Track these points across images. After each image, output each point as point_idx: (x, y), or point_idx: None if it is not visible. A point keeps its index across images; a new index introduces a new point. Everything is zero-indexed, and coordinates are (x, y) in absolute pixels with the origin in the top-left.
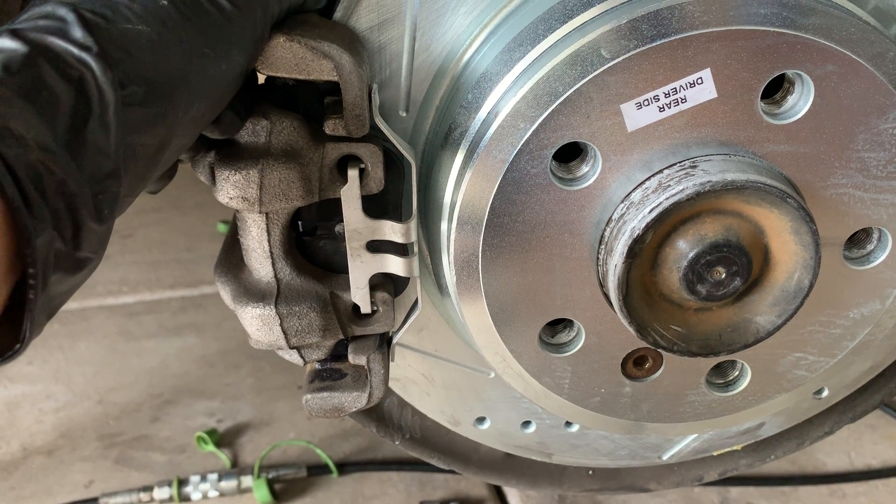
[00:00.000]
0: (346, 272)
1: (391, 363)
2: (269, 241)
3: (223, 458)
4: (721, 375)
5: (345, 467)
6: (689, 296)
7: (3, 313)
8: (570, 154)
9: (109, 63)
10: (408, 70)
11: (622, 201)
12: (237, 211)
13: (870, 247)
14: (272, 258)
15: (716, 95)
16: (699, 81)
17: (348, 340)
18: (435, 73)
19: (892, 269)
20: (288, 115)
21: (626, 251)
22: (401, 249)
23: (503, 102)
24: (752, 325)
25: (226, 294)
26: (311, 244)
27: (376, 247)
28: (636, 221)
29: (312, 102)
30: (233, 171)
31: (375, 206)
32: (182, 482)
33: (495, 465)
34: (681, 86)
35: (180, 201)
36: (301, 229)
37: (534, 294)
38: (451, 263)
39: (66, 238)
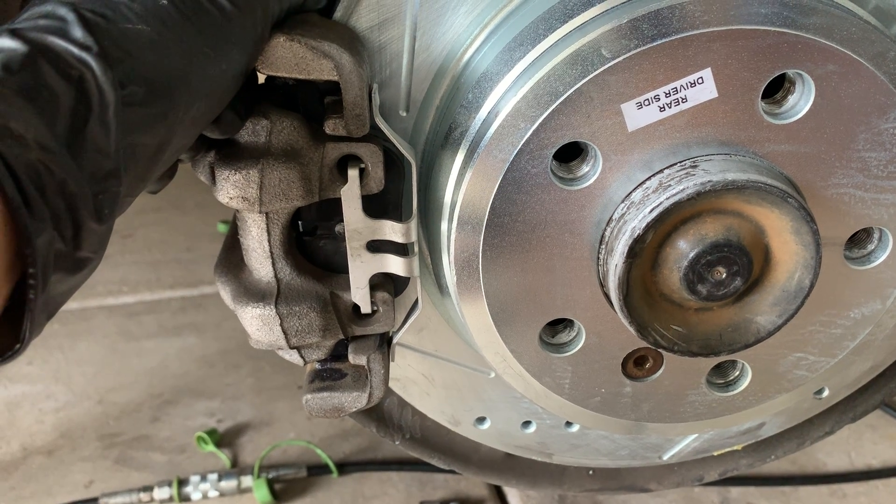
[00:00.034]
0: (347, 272)
1: (391, 363)
2: (269, 241)
3: (223, 458)
4: (721, 375)
5: (345, 467)
6: (689, 296)
7: (3, 313)
8: (571, 154)
9: (109, 63)
10: (408, 70)
11: (623, 201)
12: (237, 211)
13: (870, 247)
14: (272, 258)
15: (716, 95)
16: (700, 81)
17: (348, 340)
18: (435, 72)
19: (892, 268)
20: (288, 115)
21: (626, 251)
22: (401, 249)
23: (503, 102)
24: (753, 325)
25: (226, 294)
26: (312, 244)
27: (376, 247)
28: (637, 221)
29: (312, 102)
30: (233, 171)
31: (376, 206)
32: (182, 482)
33: (495, 465)
34: (681, 85)
35: (180, 201)
36: (301, 229)
37: (534, 294)
38: (452, 263)
39: (67, 238)
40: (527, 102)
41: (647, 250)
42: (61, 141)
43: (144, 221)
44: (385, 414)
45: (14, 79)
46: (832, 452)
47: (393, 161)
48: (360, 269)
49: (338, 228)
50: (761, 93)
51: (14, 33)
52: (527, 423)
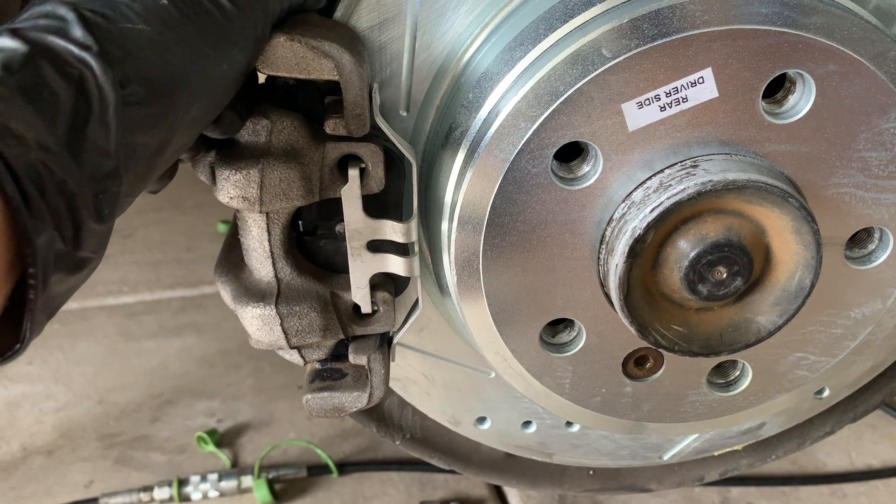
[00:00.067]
0: (347, 272)
1: (391, 363)
2: (269, 241)
3: (223, 458)
4: (722, 375)
5: (345, 467)
6: (690, 295)
7: (3, 313)
8: (571, 153)
9: (110, 62)
10: (408, 69)
11: (623, 201)
12: (237, 211)
13: (871, 246)
14: (272, 258)
15: (717, 95)
16: (700, 81)
17: (349, 340)
18: (436, 72)
19: (893, 268)
20: (288, 115)
21: (627, 251)
22: (401, 249)
23: (504, 102)
24: (754, 325)
25: (226, 294)
26: (312, 244)
27: (377, 246)
28: (637, 221)
29: (313, 102)
30: (233, 171)
31: (376, 206)
32: (182, 482)
33: (496, 465)
34: (682, 85)
35: (180, 201)
36: (301, 229)
37: (535, 294)
38: (452, 263)
39: (67, 238)
40: (527, 102)
41: (647, 250)
42: (61, 141)
43: (144, 221)
44: (385, 414)
45: (14, 78)
46: (832, 452)
47: (393, 161)
48: (361, 269)
49: (338, 228)
50: (762, 92)
51: (14, 33)
52: (527, 423)
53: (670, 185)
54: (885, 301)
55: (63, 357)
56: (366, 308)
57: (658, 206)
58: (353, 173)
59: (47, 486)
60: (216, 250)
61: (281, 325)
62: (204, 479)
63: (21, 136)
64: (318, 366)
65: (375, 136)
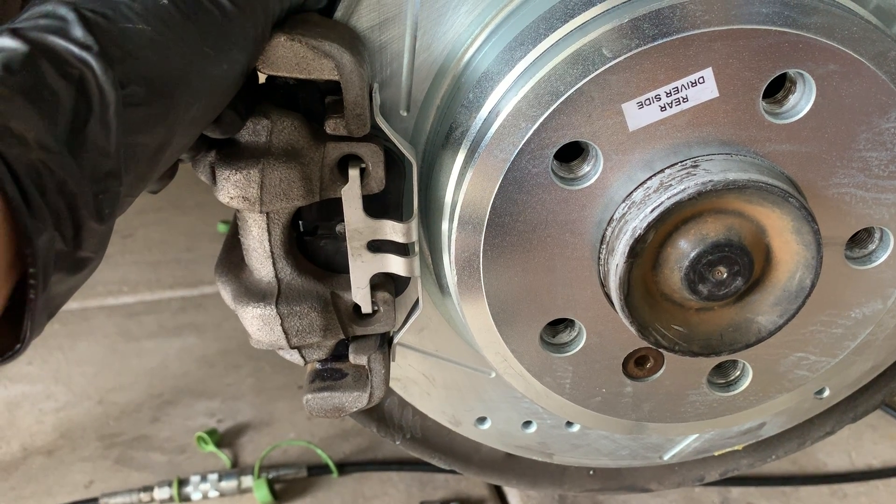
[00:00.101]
0: (347, 272)
1: (392, 363)
2: (269, 241)
3: (223, 458)
4: (722, 375)
5: (345, 467)
6: (690, 295)
7: (3, 313)
8: (572, 153)
9: (110, 62)
10: (409, 69)
11: (623, 201)
12: (238, 211)
13: (871, 246)
14: (273, 258)
15: (717, 95)
16: (701, 81)
17: (349, 340)
18: (436, 72)
19: (893, 268)
20: (289, 115)
21: (627, 251)
22: (402, 249)
23: (504, 102)
24: (754, 325)
25: (226, 294)
26: (312, 244)
27: (377, 246)
28: (638, 221)
29: (313, 102)
30: (233, 171)
31: (376, 206)
32: (182, 482)
33: (496, 465)
34: (682, 85)
35: (180, 201)
36: (302, 229)
37: (535, 294)
38: (452, 263)
39: (67, 238)
40: (528, 102)
41: (648, 250)
42: (62, 141)
43: (144, 221)
44: (386, 414)
45: (15, 78)
46: (832, 452)
47: (394, 161)
48: (361, 269)
49: (338, 228)
50: (762, 92)
51: (14, 33)
52: (527, 423)
53: (671, 185)
54: (885, 301)
55: (63, 357)
56: (366, 308)
57: (658, 205)
58: (354, 173)
59: (47, 486)
60: (216, 250)
61: (281, 325)
62: (204, 479)
63: (21, 136)
64: (318, 366)
65: (376, 136)
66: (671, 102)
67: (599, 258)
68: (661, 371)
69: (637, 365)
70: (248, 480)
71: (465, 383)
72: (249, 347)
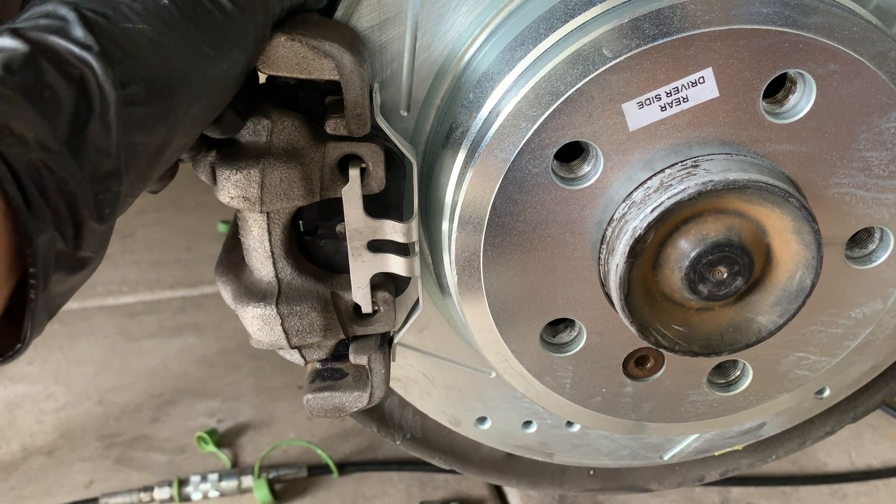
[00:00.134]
0: (348, 272)
1: (392, 363)
2: (270, 241)
3: (223, 458)
4: (722, 375)
5: (345, 467)
6: (690, 295)
7: (3, 313)
8: (572, 153)
9: (110, 62)
10: (409, 69)
11: (624, 201)
12: (238, 210)
13: (872, 246)
14: (273, 258)
15: (717, 95)
16: (701, 81)
17: (349, 340)
18: (436, 72)
19: (893, 268)
20: (289, 115)
21: (627, 251)
22: (402, 249)
23: (504, 102)
24: (754, 325)
25: (227, 294)
26: (312, 244)
27: (377, 246)
28: (638, 221)
29: (313, 102)
30: (234, 171)
31: (376, 206)
32: (182, 482)
33: (496, 465)
34: (682, 85)
35: (181, 201)
36: (302, 229)
37: (535, 294)
38: (453, 263)
39: (67, 238)
40: (528, 102)
41: (648, 250)
42: (62, 140)
43: (144, 221)
44: (386, 414)
45: (15, 78)
46: (833, 452)
47: (394, 161)
48: (361, 269)
49: (339, 228)
50: (762, 92)
51: (15, 33)
52: (528, 423)
53: (671, 185)
54: (885, 301)
55: (63, 357)
56: (366, 308)
57: (659, 205)
58: (354, 173)
59: (47, 486)
60: (216, 250)
61: (282, 324)
62: (204, 479)
63: (22, 136)
64: (318, 366)
65: (376, 135)
66: (671, 102)
67: (600, 258)
68: (662, 371)
69: (637, 365)
70: (248, 480)
71: (466, 383)
72: (249, 347)
